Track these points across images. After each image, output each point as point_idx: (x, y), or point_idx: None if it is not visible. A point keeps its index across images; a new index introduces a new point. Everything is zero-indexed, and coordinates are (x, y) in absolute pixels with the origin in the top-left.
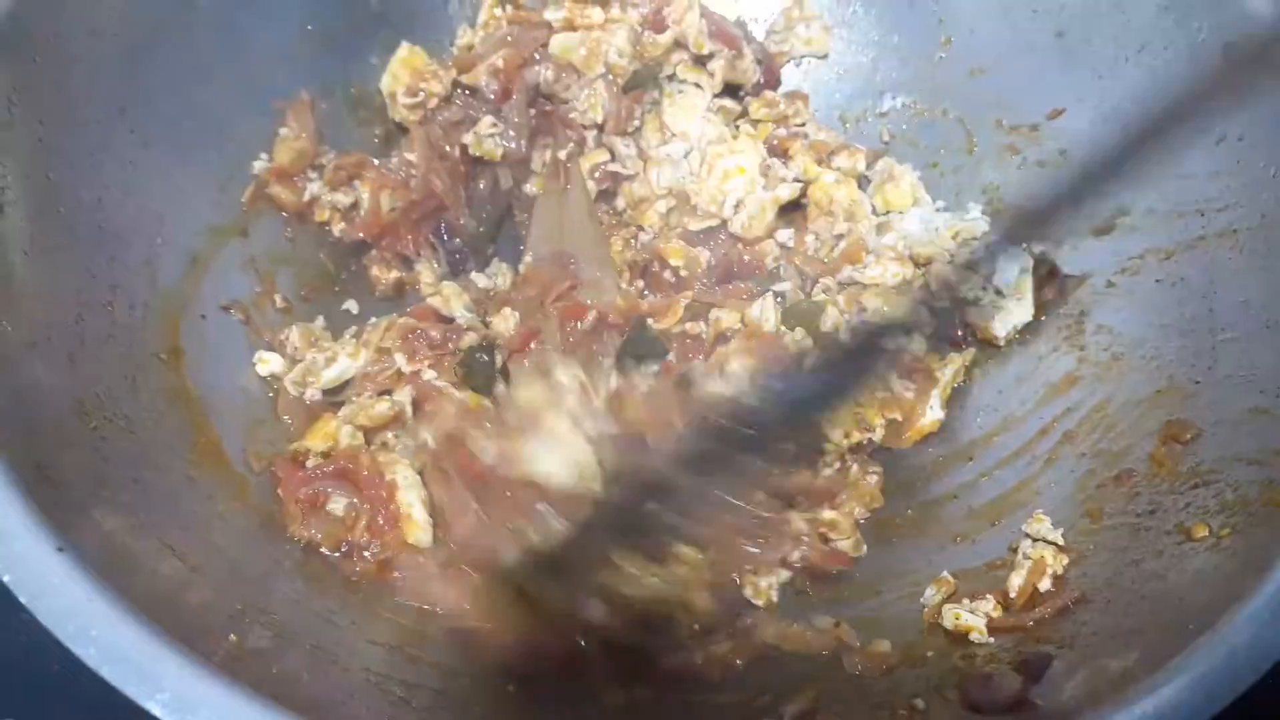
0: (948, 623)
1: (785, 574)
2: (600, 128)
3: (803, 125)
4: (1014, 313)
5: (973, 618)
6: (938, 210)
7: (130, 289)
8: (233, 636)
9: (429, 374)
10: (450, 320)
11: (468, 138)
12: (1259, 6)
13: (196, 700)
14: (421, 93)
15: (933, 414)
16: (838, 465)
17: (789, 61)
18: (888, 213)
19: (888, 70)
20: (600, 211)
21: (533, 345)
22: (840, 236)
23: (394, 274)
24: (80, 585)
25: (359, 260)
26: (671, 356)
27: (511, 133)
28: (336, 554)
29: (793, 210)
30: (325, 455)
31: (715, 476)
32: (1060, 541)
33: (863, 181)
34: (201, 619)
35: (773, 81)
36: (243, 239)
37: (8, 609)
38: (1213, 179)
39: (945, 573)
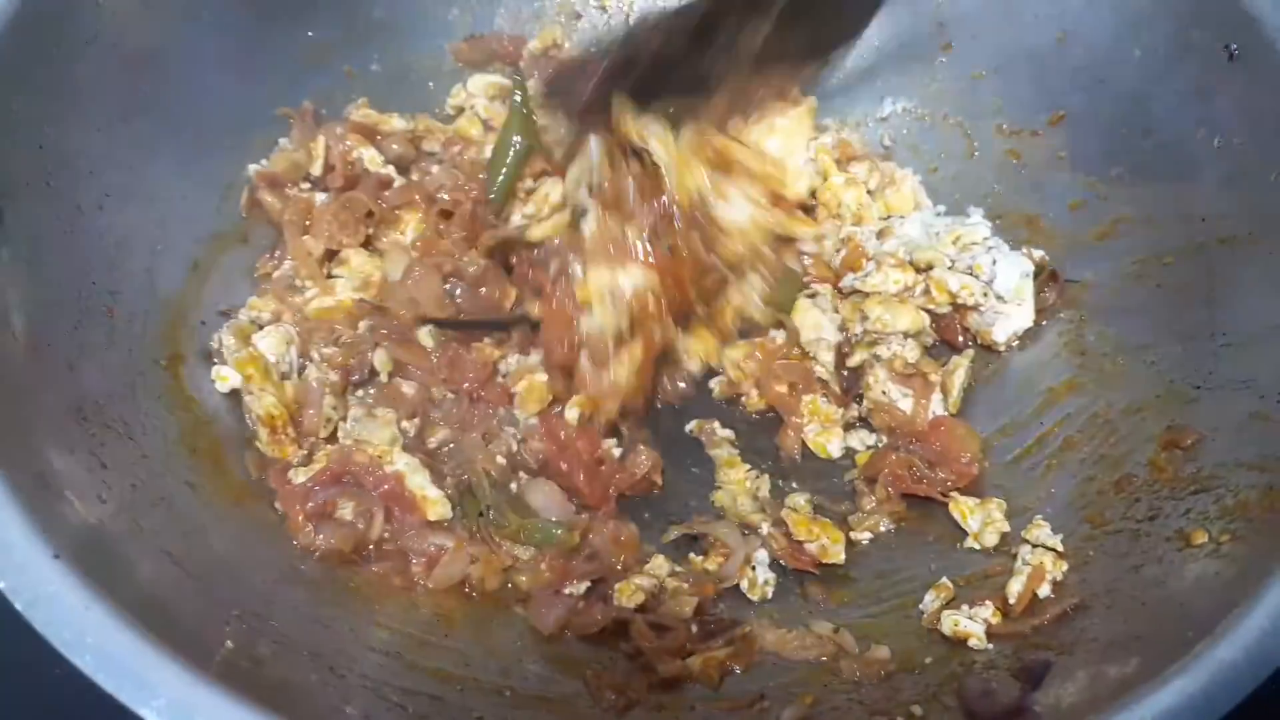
0: (946, 629)
1: (771, 574)
2: None
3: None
4: (1014, 318)
5: (971, 624)
6: (938, 215)
7: (130, 296)
8: (229, 643)
9: None
10: None
11: None
12: (1260, 9)
13: (192, 707)
14: None
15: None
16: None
17: None
18: (889, 217)
19: (888, 75)
20: None
21: None
22: (844, 241)
23: None
24: (76, 592)
25: None
26: None
27: None
28: (365, 560)
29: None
30: (311, 461)
31: None
32: (1060, 548)
33: None
34: (199, 626)
35: None
36: (243, 245)
37: (8, 614)
38: (1214, 183)
39: (944, 579)
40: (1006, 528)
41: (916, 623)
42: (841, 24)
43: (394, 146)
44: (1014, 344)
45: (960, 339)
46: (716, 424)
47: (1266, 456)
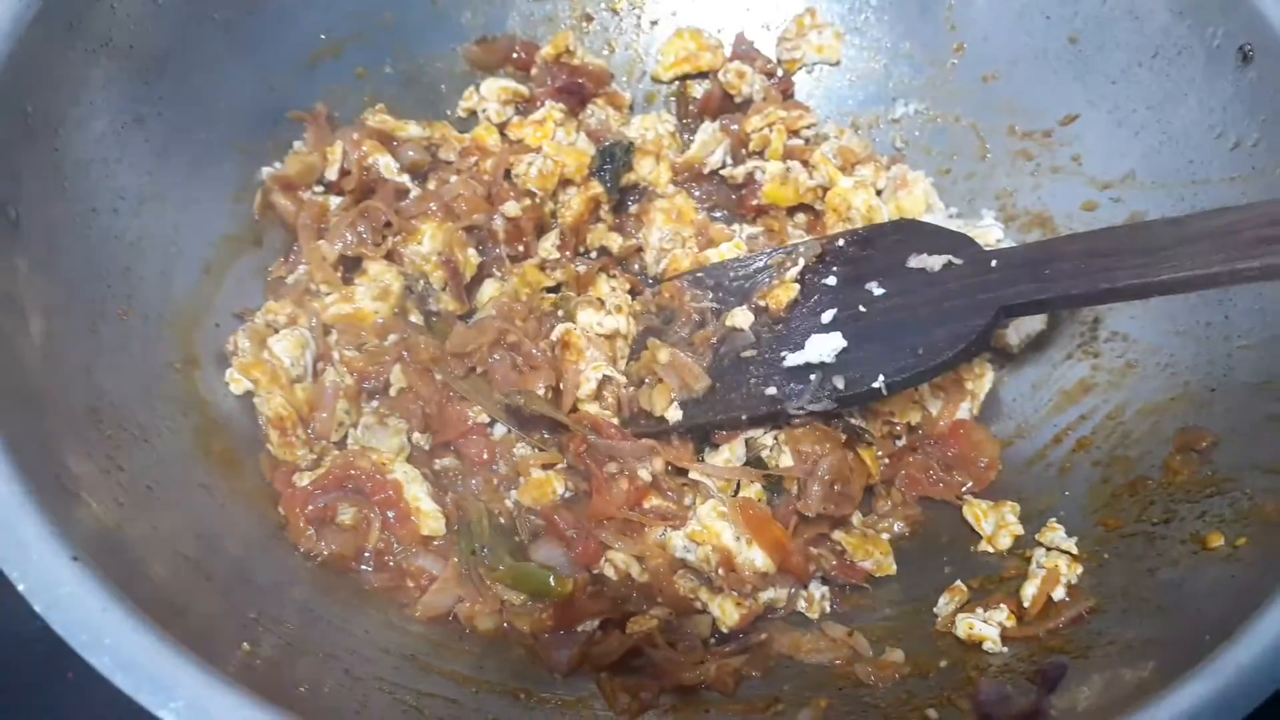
0: (961, 632)
1: (825, 588)
2: None
3: (811, 127)
4: (1026, 322)
5: (986, 627)
6: (950, 217)
7: (145, 299)
8: (246, 645)
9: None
10: None
11: None
12: (1275, 10)
13: (210, 709)
14: None
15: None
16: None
17: (801, 69)
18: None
19: (900, 77)
20: None
21: None
22: None
23: None
24: (94, 594)
25: None
26: None
27: None
28: (363, 566)
29: (809, 214)
30: (319, 466)
31: None
32: (1074, 550)
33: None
34: (215, 627)
35: (789, 91)
36: (257, 248)
37: (23, 618)
38: (1228, 184)
39: (958, 582)
40: (1020, 530)
41: (930, 626)
42: None
43: (409, 153)
44: (1027, 347)
45: None
46: None
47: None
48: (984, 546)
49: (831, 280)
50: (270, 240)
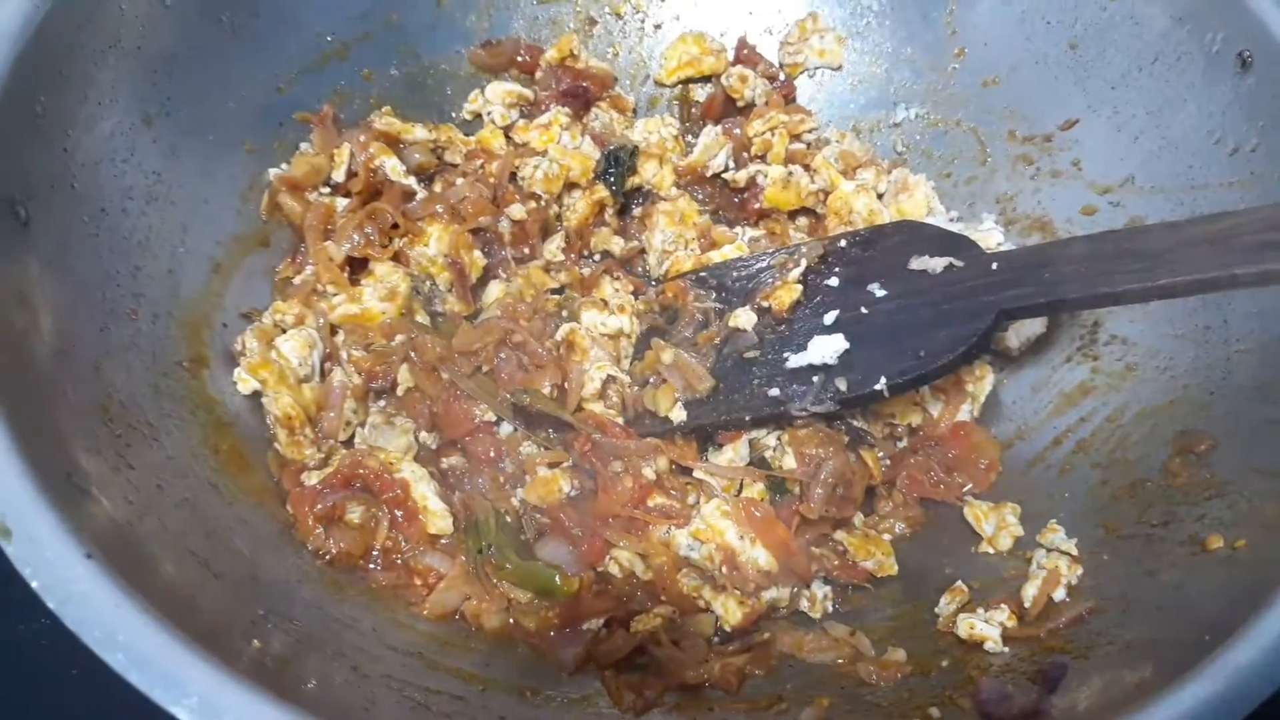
0: (962, 632)
1: (827, 587)
2: None
3: (813, 131)
4: (1026, 325)
5: (987, 627)
6: (951, 220)
7: (154, 298)
8: (256, 642)
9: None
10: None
11: None
12: (1273, 17)
13: (223, 706)
14: None
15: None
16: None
17: (803, 73)
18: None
19: (901, 81)
20: None
21: None
22: None
23: None
24: (108, 592)
25: None
26: None
27: None
28: (371, 565)
29: (811, 217)
30: (329, 465)
31: None
32: (1074, 552)
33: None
34: (225, 625)
35: (790, 96)
36: (264, 248)
37: (27, 613)
38: (1227, 189)
39: (959, 582)
40: (1021, 532)
41: (932, 626)
42: None
43: (416, 156)
44: (1027, 349)
45: None
46: None
47: (1278, 464)
48: (985, 547)
49: (834, 281)
50: (277, 240)
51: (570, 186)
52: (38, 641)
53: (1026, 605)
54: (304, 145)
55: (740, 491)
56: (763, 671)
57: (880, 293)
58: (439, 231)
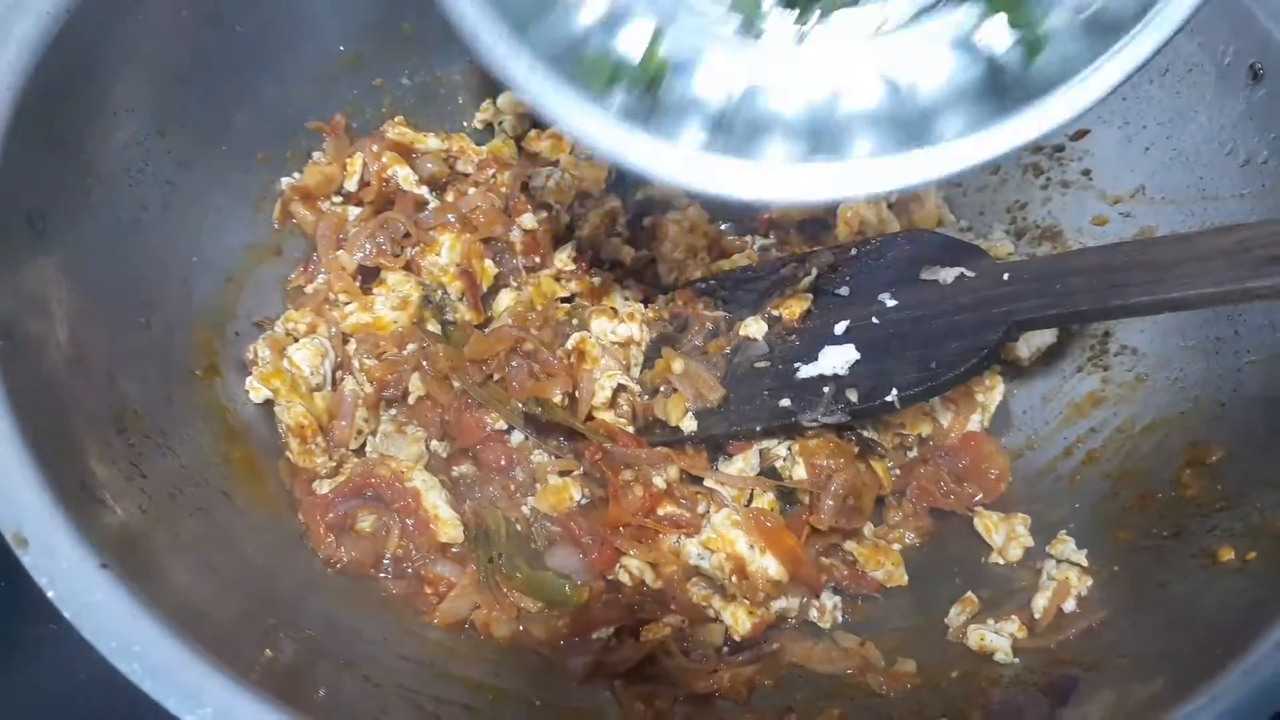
0: (972, 643)
1: (837, 597)
2: None
3: None
4: (1037, 335)
5: (997, 638)
6: (962, 230)
7: (167, 307)
8: (268, 652)
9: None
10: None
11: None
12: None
13: (236, 715)
14: None
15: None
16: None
17: None
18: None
19: None
20: None
21: None
22: None
23: None
24: (123, 602)
25: None
26: None
27: None
28: (382, 574)
29: (820, 230)
30: (340, 473)
31: None
32: (1084, 563)
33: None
34: (237, 634)
35: None
36: (276, 258)
37: (38, 620)
38: (1238, 201)
39: (969, 593)
40: (1031, 542)
41: (942, 637)
42: None
43: (428, 165)
44: (1037, 360)
45: None
46: None
47: None
48: (995, 558)
49: (844, 291)
50: (290, 249)
51: (582, 196)
52: (45, 645)
53: (1037, 616)
54: (316, 154)
55: (751, 501)
56: (772, 682)
57: (891, 303)
58: (450, 241)
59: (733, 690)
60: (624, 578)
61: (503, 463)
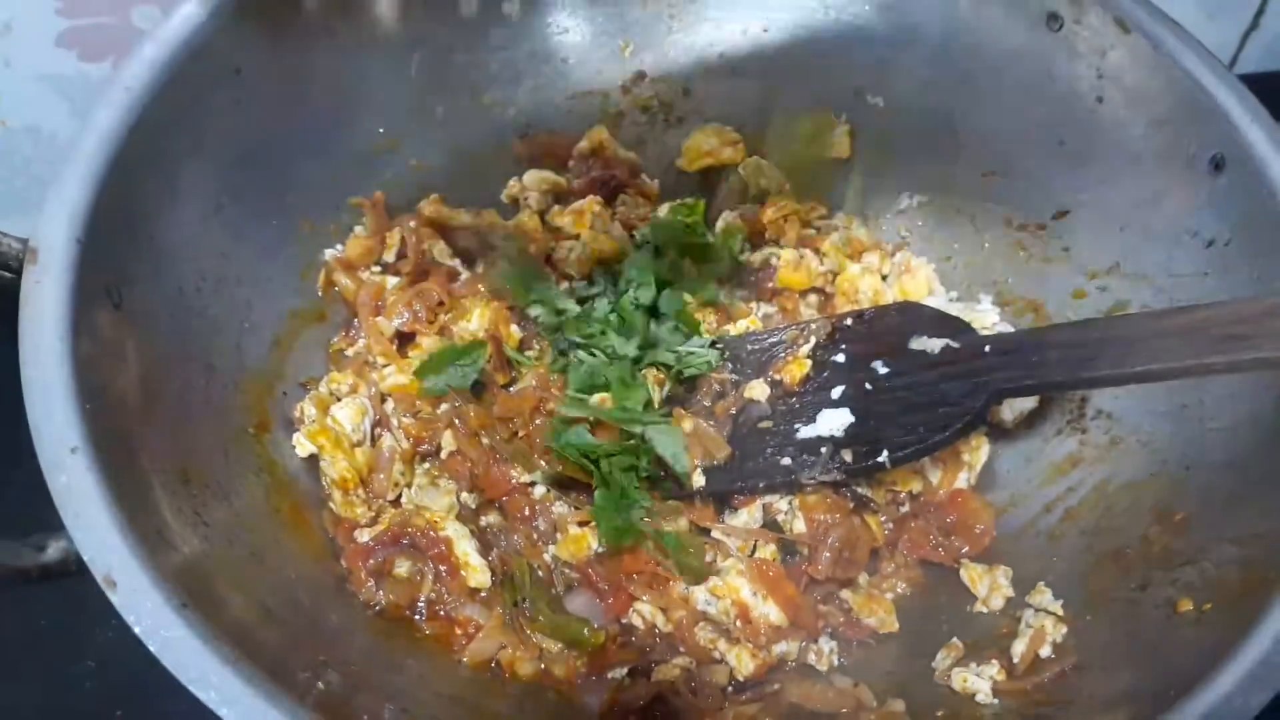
0: (956, 685)
1: (834, 643)
2: None
3: (822, 218)
4: (1020, 400)
5: (978, 681)
6: (951, 300)
7: (223, 368)
8: (320, 685)
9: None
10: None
11: None
12: (1241, 120)
13: None
14: None
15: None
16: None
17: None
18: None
19: (907, 173)
20: None
21: None
22: None
23: None
24: (199, 638)
25: None
26: None
27: None
28: (416, 615)
29: (820, 297)
30: (382, 525)
31: None
32: (1060, 612)
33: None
34: (290, 667)
35: None
36: (321, 323)
37: (74, 657)
38: (1201, 280)
39: (955, 639)
40: (1011, 593)
41: (929, 679)
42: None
43: (460, 240)
44: (1020, 422)
45: None
46: None
47: (1244, 535)
48: (979, 606)
49: (840, 358)
50: (333, 315)
51: (603, 263)
52: (83, 684)
53: (1015, 661)
54: (357, 228)
55: (754, 552)
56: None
57: (883, 370)
58: (480, 308)
59: None
60: (637, 621)
61: (526, 513)
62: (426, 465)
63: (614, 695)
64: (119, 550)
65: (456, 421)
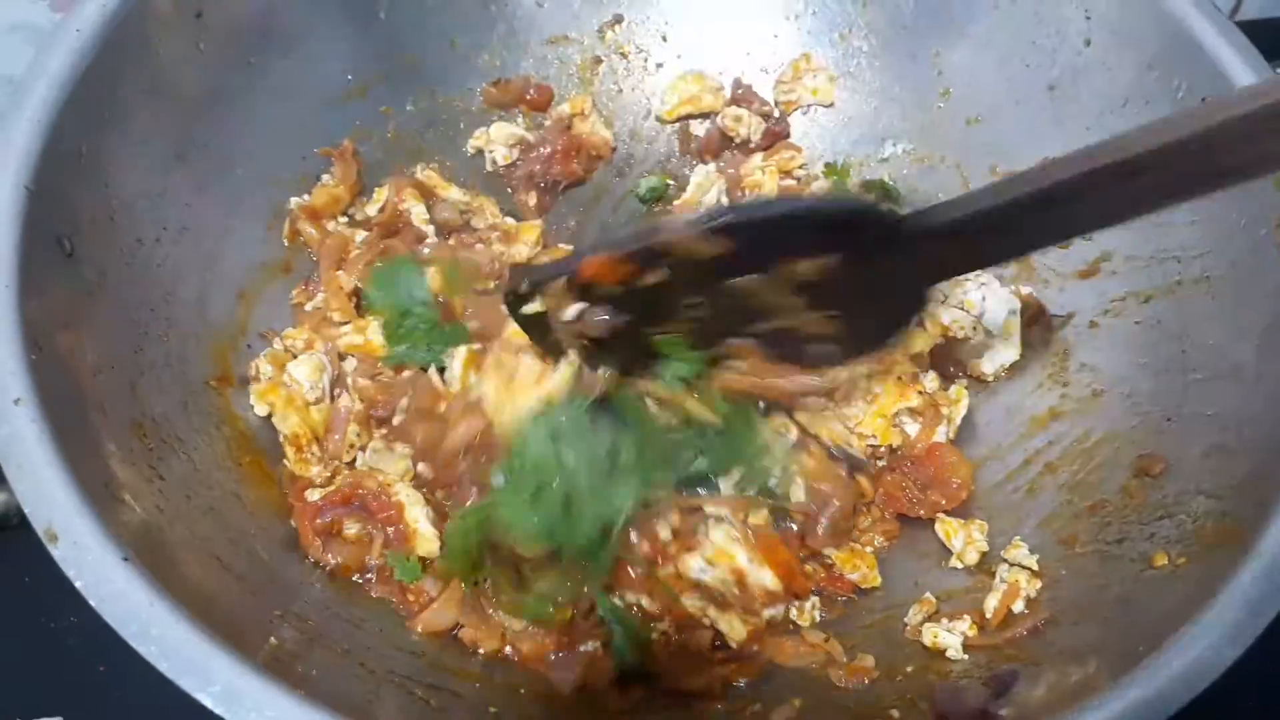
0: (926, 640)
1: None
2: None
3: (802, 168)
4: (1001, 351)
5: (949, 636)
6: None
7: (184, 322)
8: (272, 639)
9: None
10: None
11: None
12: (1229, 62)
13: (243, 693)
14: None
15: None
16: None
17: (797, 110)
18: None
19: (889, 119)
20: None
21: None
22: None
23: None
24: (143, 591)
25: None
26: None
27: None
28: (363, 578)
29: None
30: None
31: None
32: (1034, 567)
33: None
34: (244, 622)
35: (784, 132)
36: (286, 275)
37: (60, 612)
38: (1189, 227)
39: (928, 594)
40: (986, 547)
41: (900, 634)
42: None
43: (444, 213)
44: (1001, 375)
45: (950, 369)
46: None
47: (1222, 486)
48: (953, 562)
49: None
50: (299, 266)
51: None
52: (66, 639)
53: (988, 616)
54: (324, 177)
55: (747, 519)
56: (748, 678)
57: None
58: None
59: (711, 689)
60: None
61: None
62: (384, 430)
63: (586, 670)
64: (61, 504)
65: (411, 391)
